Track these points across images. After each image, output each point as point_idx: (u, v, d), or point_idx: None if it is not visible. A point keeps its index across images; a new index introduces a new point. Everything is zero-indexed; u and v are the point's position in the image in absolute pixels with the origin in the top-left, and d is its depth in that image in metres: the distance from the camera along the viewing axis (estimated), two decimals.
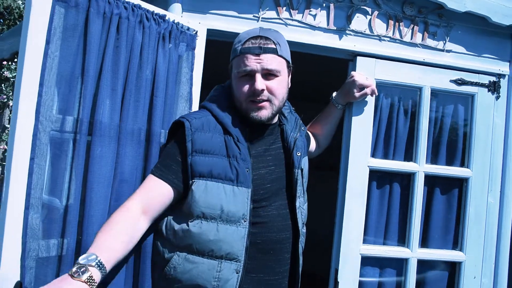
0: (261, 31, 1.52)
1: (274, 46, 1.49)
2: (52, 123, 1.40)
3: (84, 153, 1.44)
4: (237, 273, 1.43)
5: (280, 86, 1.51)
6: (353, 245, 1.97)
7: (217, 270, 1.42)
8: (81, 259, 1.18)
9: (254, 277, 1.49)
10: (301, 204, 1.63)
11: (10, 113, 3.91)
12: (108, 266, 1.23)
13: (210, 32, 1.90)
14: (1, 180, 3.85)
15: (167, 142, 1.56)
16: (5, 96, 3.92)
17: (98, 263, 1.19)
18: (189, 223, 1.43)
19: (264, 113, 1.50)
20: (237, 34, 1.92)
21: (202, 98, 1.83)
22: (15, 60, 3.87)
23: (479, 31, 2.15)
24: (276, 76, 1.50)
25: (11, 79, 3.91)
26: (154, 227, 1.51)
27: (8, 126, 3.88)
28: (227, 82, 1.66)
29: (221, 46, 1.91)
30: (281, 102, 1.55)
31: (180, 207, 1.46)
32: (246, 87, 1.49)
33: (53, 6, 1.38)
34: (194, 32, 1.81)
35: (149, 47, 1.62)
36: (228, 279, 1.42)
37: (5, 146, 3.81)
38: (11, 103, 3.91)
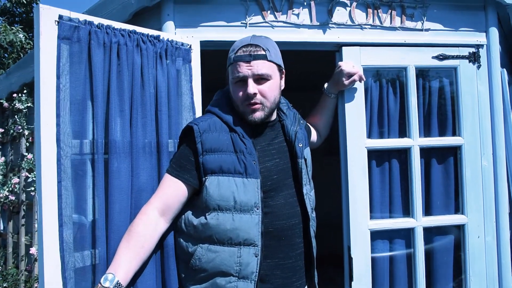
0: (252, 39, 1.62)
1: (264, 52, 1.59)
2: (72, 148, 1.52)
3: (103, 170, 1.57)
4: (256, 256, 1.55)
5: (271, 89, 1.62)
6: (361, 222, 2.08)
7: (237, 256, 1.54)
8: (103, 280, 1.41)
9: (270, 262, 1.60)
10: (308, 191, 1.74)
11: (26, 142, 4.06)
12: (126, 281, 1.46)
13: (204, 43, 2.01)
14: (28, 205, 4.00)
15: (179, 145, 1.68)
16: (20, 127, 4.05)
17: (117, 284, 1.42)
18: (206, 216, 1.55)
19: (258, 115, 1.61)
20: (228, 42, 2.03)
21: (205, 105, 1.94)
22: (24, 91, 4.00)
23: (454, 7, 2.23)
24: (268, 80, 1.60)
25: (24, 110, 4.04)
26: (174, 227, 1.65)
27: (26, 154, 4.02)
28: (227, 87, 1.76)
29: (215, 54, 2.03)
30: (273, 104, 1.65)
31: (196, 203, 1.59)
32: (240, 92, 1.60)
33: (59, 44, 1.49)
34: (188, 47, 1.92)
35: (148, 67, 1.73)
36: (248, 262, 1.54)
37: (27, 174, 3.94)
38: (26, 132, 4.05)
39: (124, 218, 1.59)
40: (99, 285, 1.40)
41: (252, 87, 1.58)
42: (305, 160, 1.75)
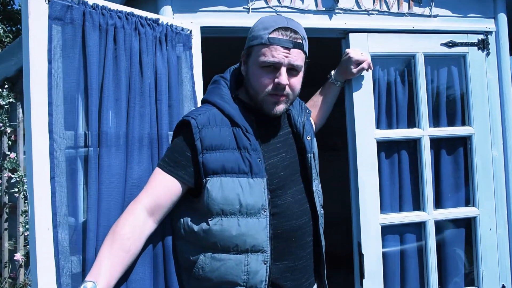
0: (288, 22, 1.40)
1: (301, 42, 1.40)
2: (66, 140, 1.36)
3: (97, 167, 1.41)
4: (265, 263, 1.38)
5: (299, 82, 1.45)
6: (371, 216, 1.96)
7: (245, 264, 1.37)
8: None
9: (279, 265, 1.45)
10: (317, 187, 1.60)
11: (8, 141, 3.83)
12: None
13: (204, 30, 1.86)
14: (11, 207, 3.78)
15: (174, 139, 1.48)
16: (1, 124, 3.82)
17: None
18: (209, 222, 1.37)
19: (281, 108, 1.44)
20: (229, 28, 1.92)
21: None
22: (6, 86, 3.77)
23: None
24: (298, 72, 1.43)
25: (5, 106, 3.81)
26: (171, 230, 1.49)
27: (8, 153, 3.79)
28: (227, 71, 1.58)
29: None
30: (294, 99, 1.50)
31: (196, 207, 1.40)
32: (268, 79, 1.39)
33: (50, 25, 1.33)
34: (189, 32, 1.77)
35: (147, 53, 1.58)
36: (257, 271, 1.38)
37: (9, 174, 3.72)
38: (8, 130, 3.82)
39: (115, 216, 1.40)
40: None
41: (285, 77, 1.38)
42: (313, 153, 1.61)
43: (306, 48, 1.44)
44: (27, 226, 3.46)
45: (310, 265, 1.56)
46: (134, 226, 1.33)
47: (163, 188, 1.39)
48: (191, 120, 1.38)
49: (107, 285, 1.24)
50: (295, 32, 1.38)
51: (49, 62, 1.32)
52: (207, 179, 1.37)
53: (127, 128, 1.47)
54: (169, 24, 1.68)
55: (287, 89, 1.41)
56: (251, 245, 1.37)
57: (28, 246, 3.55)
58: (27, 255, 3.45)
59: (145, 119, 1.52)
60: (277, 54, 1.36)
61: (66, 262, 1.33)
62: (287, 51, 1.36)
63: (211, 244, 1.38)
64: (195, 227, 1.40)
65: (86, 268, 1.36)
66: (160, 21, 1.64)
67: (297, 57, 1.39)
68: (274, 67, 1.38)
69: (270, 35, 1.37)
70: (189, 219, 1.42)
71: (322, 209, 1.63)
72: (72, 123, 1.37)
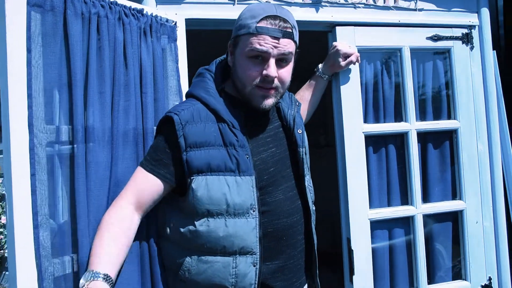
0: (277, 9, 1.33)
1: (292, 31, 1.33)
2: (47, 135, 1.27)
3: (84, 163, 1.33)
4: (254, 266, 1.32)
5: (289, 73, 1.39)
6: (360, 212, 1.94)
7: (233, 267, 1.31)
8: (85, 278, 1.19)
9: (269, 265, 1.39)
10: (309, 183, 1.55)
11: None
12: (114, 274, 1.24)
13: (189, 22, 1.80)
14: None
15: (156, 136, 1.41)
16: None
17: (105, 276, 1.19)
18: (195, 223, 1.31)
19: (270, 102, 1.37)
20: (214, 20, 1.86)
21: None
22: None
23: None
24: (288, 62, 1.36)
25: None
26: (157, 230, 1.44)
27: None
28: (213, 63, 1.51)
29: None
30: (284, 91, 1.43)
31: (182, 207, 1.35)
32: (255, 70, 1.33)
33: (28, 12, 1.25)
34: (174, 23, 1.71)
35: (132, 44, 1.51)
36: (246, 273, 1.31)
37: None
38: None
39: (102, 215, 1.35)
40: (84, 285, 1.16)
41: (274, 69, 1.31)
42: (305, 148, 1.55)
43: (297, 38, 1.38)
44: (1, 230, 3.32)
45: (301, 264, 1.51)
46: (122, 218, 1.30)
47: (144, 185, 1.33)
48: (173, 116, 1.31)
49: (111, 268, 1.23)
50: (285, 20, 1.32)
51: (29, 51, 1.23)
52: (191, 178, 1.31)
53: (111, 122, 1.40)
54: (153, 15, 1.62)
55: (276, 81, 1.34)
56: (240, 247, 1.31)
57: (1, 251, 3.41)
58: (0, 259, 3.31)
59: (130, 113, 1.45)
60: (265, 43, 1.30)
61: (49, 264, 1.25)
62: (276, 41, 1.30)
63: (198, 246, 1.32)
64: (182, 228, 1.34)
65: (80, 269, 1.30)
66: (144, 12, 1.58)
67: (287, 47, 1.32)
68: (263, 58, 1.32)
69: (258, 24, 1.30)
70: (174, 220, 1.37)
71: (313, 205, 1.58)
72: (53, 117, 1.29)
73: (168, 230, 1.38)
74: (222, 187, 1.30)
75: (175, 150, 1.32)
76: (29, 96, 1.23)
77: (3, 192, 3.30)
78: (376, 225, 1.99)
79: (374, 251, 1.98)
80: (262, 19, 1.30)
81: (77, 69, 1.32)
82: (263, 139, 1.45)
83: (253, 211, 1.33)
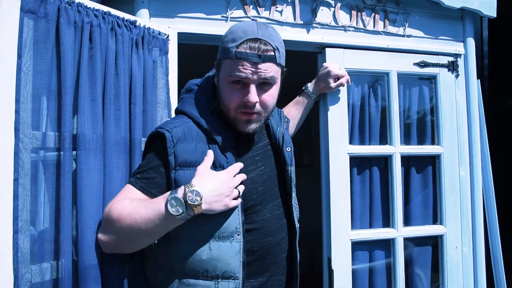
0: (259, 30, 1.31)
1: (273, 54, 1.31)
2: (33, 141, 1.28)
3: (70, 171, 1.33)
4: None
5: (272, 97, 1.37)
6: (342, 232, 1.97)
7: None
8: (191, 196, 1.19)
9: (253, 282, 1.39)
10: (295, 201, 1.56)
11: None
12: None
13: (181, 36, 1.84)
14: None
15: (146, 152, 1.38)
16: None
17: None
18: (179, 244, 1.30)
19: (253, 127, 1.37)
20: (206, 35, 1.90)
21: None
22: None
23: (435, 15, 2.21)
24: (271, 85, 1.35)
25: None
26: (142, 252, 1.41)
27: None
28: (205, 80, 1.50)
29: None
30: (269, 114, 1.43)
31: None
32: (236, 96, 1.32)
33: (21, 18, 1.26)
34: (166, 36, 1.75)
35: (123, 54, 1.54)
36: None
37: None
38: None
39: (94, 224, 1.36)
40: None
41: (254, 95, 1.30)
42: (293, 166, 1.56)
43: (281, 59, 1.36)
44: None
45: (283, 280, 1.52)
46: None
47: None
48: (165, 133, 1.29)
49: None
50: (266, 43, 1.30)
51: (19, 57, 1.24)
52: None
53: (103, 131, 1.42)
54: (146, 27, 1.65)
55: (258, 106, 1.34)
56: (223, 271, 1.30)
57: None
58: None
59: (121, 122, 1.47)
60: (244, 70, 1.28)
61: (26, 271, 1.25)
62: (255, 66, 1.29)
63: (181, 268, 1.31)
64: (165, 249, 1.33)
65: (60, 276, 1.30)
66: (137, 23, 1.61)
67: (268, 71, 1.30)
68: (244, 83, 1.31)
69: (237, 49, 1.29)
70: (158, 240, 1.33)
71: (298, 223, 1.59)
72: (40, 123, 1.30)
73: (151, 251, 1.37)
74: None
75: (164, 168, 1.31)
76: (17, 101, 1.23)
77: None
78: (357, 246, 2.02)
79: (354, 272, 2.00)
80: (241, 43, 1.29)
81: (67, 76, 1.34)
82: (252, 157, 1.45)
83: (238, 235, 1.32)
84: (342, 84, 1.94)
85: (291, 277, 1.56)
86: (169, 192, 1.22)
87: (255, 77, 1.30)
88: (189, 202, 1.19)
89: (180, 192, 1.20)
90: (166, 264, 1.33)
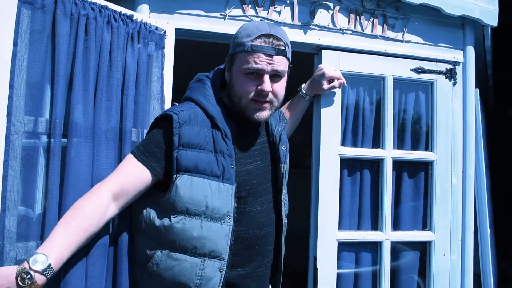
0: (271, 28, 1.46)
1: (284, 48, 1.46)
2: (25, 126, 1.36)
3: (59, 156, 1.41)
4: (220, 271, 1.40)
5: (283, 88, 1.51)
6: (329, 232, 2.01)
7: (200, 268, 1.38)
8: (32, 262, 1.17)
9: (240, 271, 1.49)
10: (285, 197, 1.65)
11: None
12: (58, 266, 1.23)
13: (179, 32, 1.90)
14: None
15: (151, 130, 1.48)
16: None
17: (48, 268, 1.19)
18: (172, 219, 1.39)
19: (265, 114, 1.49)
20: (204, 32, 1.96)
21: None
22: None
23: (434, 22, 2.24)
24: (281, 77, 1.49)
25: None
26: (130, 222, 1.50)
27: None
28: (214, 72, 1.61)
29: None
30: (279, 104, 1.54)
31: (161, 202, 1.41)
32: (251, 86, 1.45)
33: (19, 8, 1.34)
34: (163, 32, 1.81)
35: (118, 47, 1.60)
36: (211, 277, 1.39)
37: None
38: None
39: None
40: (26, 265, 1.16)
41: (268, 85, 1.44)
42: (287, 164, 1.66)
43: (289, 55, 1.51)
44: None
45: (268, 272, 1.62)
46: (98, 207, 1.32)
47: (133, 175, 1.40)
48: (173, 115, 1.40)
49: (59, 260, 1.23)
50: (278, 39, 1.44)
51: (15, 44, 1.32)
52: (177, 175, 1.39)
53: (94, 120, 1.49)
54: (143, 21, 1.72)
55: (270, 95, 1.46)
56: (210, 250, 1.39)
57: None
58: None
59: (112, 112, 1.54)
60: (259, 61, 1.42)
61: (11, 248, 1.32)
62: (270, 58, 1.42)
63: (170, 242, 1.40)
64: (157, 222, 1.41)
65: None
66: (134, 18, 1.68)
67: (280, 64, 1.45)
68: (258, 74, 1.44)
69: (252, 43, 1.43)
70: (151, 212, 1.43)
71: (286, 218, 1.67)
72: (33, 109, 1.38)
73: (143, 223, 1.44)
74: (204, 189, 1.39)
75: (168, 146, 1.41)
76: (11, 87, 1.32)
77: None
78: (343, 247, 2.06)
79: (339, 272, 2.04)
80: (256, 38, 1.43)
81: (61, 66, 1.42)
82: (251, 151, 1.56)
83: (229, 218, 1.42)
84: (334, 87, 1.99)
85: (275, 269, 1.65)
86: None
87: (269, 68, 1.43)
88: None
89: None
90: (156, 237, 1.41)
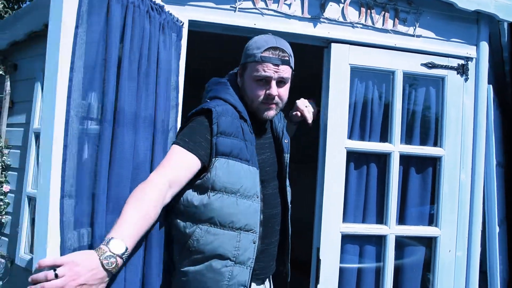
0: (277, 41, 2.53)
1: (288, 59, 2.53)
2: (82, 110, 2.06)
3: (109, 143, 2.15)
4: (254, 243, 2.38)
5: (287, 92, 2.61)
6: (333, 224, 3.28)
7: (237, 240, 2.33)
8: (113, 246, 1.90)
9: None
10: (288, 184, 2.89)
11: None
12: (131, 248, 2.00)
13: (191, 23, 3.12)
14: None
15: (189, 123, 2.45)
16: None
17: (125, 251, 1.93)
18: (211, 197, 2.31)
19: (272, 113, 2.60)
20: (215, 24, 3.17)
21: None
22: None
23: (447, 17, 3.53)
24: (286, 83, 2.58)
25: None
26: (168, 210, 2.38)
27: None
28: (229, 77, 2.77)
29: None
30: (283, 105, 2.65)
31: (199, 183, 2.35)
32: (261, 90, 2.53)
33: None
34: (181, 24, 2.99)
35: (154, 37, 2.51)
36: (246, 248, 2.36)
37: None
38: None
39: (124, 193, 2.19)
40: (106, 249, 1.85)
41: (274, 90, 2.52)
42: (288, 154, 2.93)
43: (292, 64, 2.61)
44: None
45: (276, 251, 2.83)
46: (160, 194, 2.17)
47: (185, 164, 2.32)
48: (212, 108, 2.39)
49: (132, 245, 2.00)
50: (283, 50, 2.54)
51: (76, 27, 2.01)
52: (216, 158, 2.34)
53: (136, 107, 2.35)
54: (169, 13, 2.83)
55: (277, 98, 2.56)
56: (244, 224, 2.37)
57: None
58: None
59: (149, 100, 2.48)
60: (268, 70, 2.50)
61: (70, 236, 1.98)
62: (276, 67, 2.51)
63: (209, 219, 2.33)
64: (196, 201, 2.33)
65: (94, 243, 2.05)
66: (164, 8, 2.74)
67: (285, 72, 2.54)
68: (266, 81, 2.52)
69: (262, 54, 2.51)
70: (190, 192, 2.37)
71: (290, 203, 2.93)
72: (87, 94, 2.11)
73: (182, 206, 2.38)
74: (239, 170, 2.38)
75: (209, 134, 2.38)
76: (71, 70, 1.99)
77: (8, 163, 4.72)
78: (347, 240, 3.34)
79: (342, 264, 3.31)
80: (265, 50, 2.51)
81: (112, 51, 2.17)
82: (263, 144, 2.74)
83: (257, 197, 2.44)
84: (297, 116, 3.21)
85: (282, 250, 2.88)
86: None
87: (275, 75, 2.53)
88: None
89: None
90: (196, 216, 2.35)
